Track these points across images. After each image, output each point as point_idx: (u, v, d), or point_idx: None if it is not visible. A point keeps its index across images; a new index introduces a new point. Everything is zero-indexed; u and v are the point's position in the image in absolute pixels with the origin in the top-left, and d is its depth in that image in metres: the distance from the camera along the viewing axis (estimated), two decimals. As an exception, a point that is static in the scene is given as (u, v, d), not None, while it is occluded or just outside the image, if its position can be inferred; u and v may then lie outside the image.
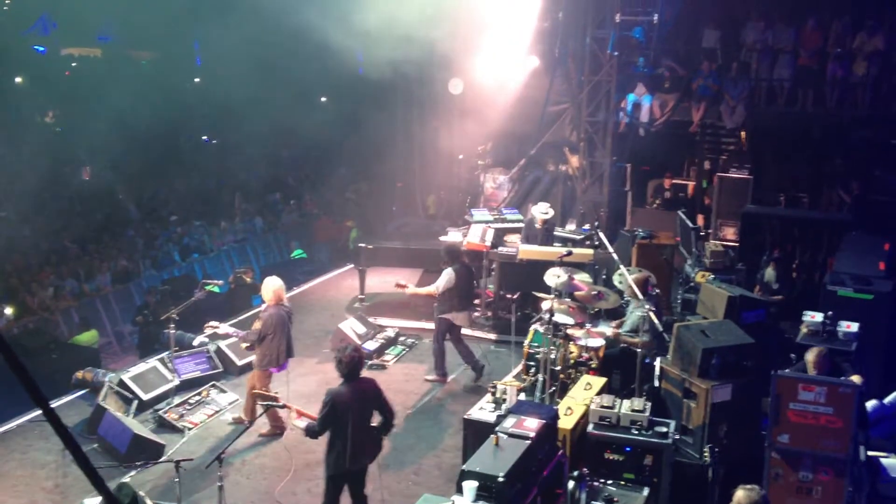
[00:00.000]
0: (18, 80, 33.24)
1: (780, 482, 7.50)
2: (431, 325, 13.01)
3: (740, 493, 5.70)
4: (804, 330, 10.07)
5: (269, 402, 8.10)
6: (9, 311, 15.96)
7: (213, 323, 9.96)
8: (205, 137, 30.33)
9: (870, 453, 8.10)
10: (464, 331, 11.96)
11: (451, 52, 18.47)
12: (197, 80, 35.49)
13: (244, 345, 10.28)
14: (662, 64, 17.83)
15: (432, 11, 17.82)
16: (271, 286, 9.82)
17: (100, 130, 23.56)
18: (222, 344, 11.68)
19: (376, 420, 7.63)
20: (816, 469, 7.39)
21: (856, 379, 7.86)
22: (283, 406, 8.04)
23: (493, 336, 13.10)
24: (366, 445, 7.54)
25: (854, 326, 9.84)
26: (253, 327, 9.92)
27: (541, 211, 13.77)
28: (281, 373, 9.95)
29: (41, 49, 36.44)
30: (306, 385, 11.14)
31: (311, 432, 7.43)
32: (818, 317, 10.04)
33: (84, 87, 30.17)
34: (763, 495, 5.69)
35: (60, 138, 29.72)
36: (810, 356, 8.35)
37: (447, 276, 11.27)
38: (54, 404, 10.34)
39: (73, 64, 36.07)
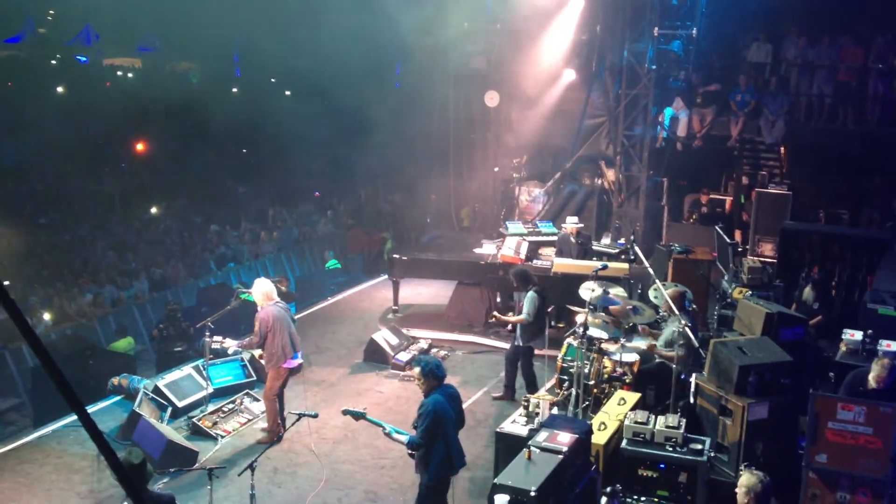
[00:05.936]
0: (60, 89, 33.84)
1: (817, 503, 7.37)
2: (464, 337, 13.05)
3: (745, 477, 5.91)
4: (843, 348, 9.92)
5: (354, 412, 7.37)
6: (47, 316, 16.17)
7: (217, 337, 10.01)
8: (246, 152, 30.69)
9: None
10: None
11: (488, 65, 18.53)
12: (234, 90, 35.95)
13: (256, 353, 10.29)
14: (700, 83, 17.69)
15: (470, 25, 17.89)
16: (259, 288, 9.86)
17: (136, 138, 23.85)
18: (256, 353, 11.73)
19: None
20: (854, 490, 7.25)
21: None
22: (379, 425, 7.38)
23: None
24: (460, 450, 7.43)
25: (894, 345, 9.65)
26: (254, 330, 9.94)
27: (571, 222, 13.86)
28: (300, 371, 10.02)
29: (83, 59, 37.14)
30: (347, 394, 11.22)
31: (414, 445, 7.17)
32: (858, 335, 9.88)
33: (124, 97, 30.70)
34: (768, 481, 5.77)
35: (101, 146, 30.21)
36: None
37: (533, 301, 10.78)
38: (89, 410, 10.50)
39: (119, 73, 36.68)
